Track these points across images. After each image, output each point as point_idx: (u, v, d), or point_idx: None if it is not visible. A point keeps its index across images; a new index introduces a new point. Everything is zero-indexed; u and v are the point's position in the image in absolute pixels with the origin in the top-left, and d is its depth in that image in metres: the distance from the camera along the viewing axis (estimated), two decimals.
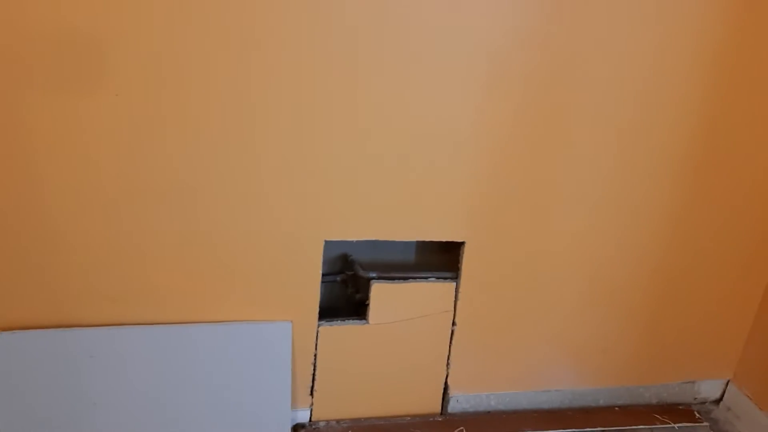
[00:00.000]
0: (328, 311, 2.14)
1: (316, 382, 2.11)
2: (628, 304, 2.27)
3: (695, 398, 2.52)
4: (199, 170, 1.77)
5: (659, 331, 2.35)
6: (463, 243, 2.06)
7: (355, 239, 1.96)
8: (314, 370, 2.09)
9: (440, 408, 2.28)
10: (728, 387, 2.51)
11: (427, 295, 2.10)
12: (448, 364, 2.21)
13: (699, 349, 2.42)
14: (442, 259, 2.23)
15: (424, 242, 2.23)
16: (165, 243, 1.83)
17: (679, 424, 2.38)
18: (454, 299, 2.13)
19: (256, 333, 1.97)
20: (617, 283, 2.23)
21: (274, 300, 1.97)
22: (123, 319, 1.88)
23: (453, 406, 2.27)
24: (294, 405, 2.11)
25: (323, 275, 2.15)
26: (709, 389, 2.51)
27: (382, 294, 2.06)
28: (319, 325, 2.04)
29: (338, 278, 2.19)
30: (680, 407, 2.48)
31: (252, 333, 1.97)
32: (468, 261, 2.07)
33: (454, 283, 2.11)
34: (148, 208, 1.78)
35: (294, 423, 2.14)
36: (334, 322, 2.06)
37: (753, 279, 2.35)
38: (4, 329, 1.79)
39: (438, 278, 2.11)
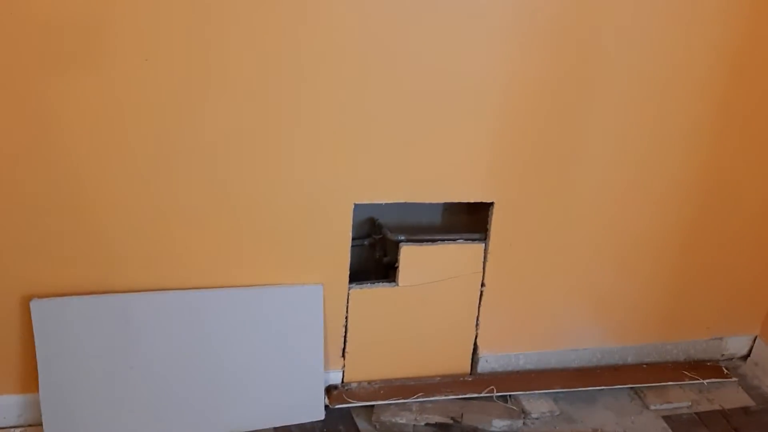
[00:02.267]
0: (358, 275, 2.15)
1: (347, 344, 2.13)
2: (655, 262, 2.27)
3: (723, 354, 2.53)
4: (230, 134, 1.78)
5: (686, 288, 2.35)
6: (491, 203, 2.06)
7: (384, 202, 1.97)
8: (345, 332, 2.11)
9: (470, 368, 2.30)
10: (756, 343, 2.51)
11: (455, 256, 2.11)
12: (477, 324, 2.23)
13: (726, 305, 2.42)
14: (469, 220, 2.23)
15: (450, 204, 2.23)
16: (197, 208, 1.84)
17: (708, 380, 2.39)
18: (483, 260, 2.13)
19: (288, 296, 1.99)
20: (644, 240, 2.23)
21: (306, 264, 1.99)
22: (157, 285, 1.90)
23: (482, 366, 2.30)
24: (326, 367, 2.13)
25: (352, 239, 2.16)
26: (736, 345, 2.52)
27: (411, 256, 2.07)
28: (349, 288, 2.06)
29: (366, 242, 2.20)
30: (708, 363, 2.49)
31: (284, 296, 1.99)
32: (496, 221, 2.08)
33: (483, 244, 2.12)
34: (179, 174, 1.79)
35: (327, 384, 2.16)
36: (365, 284, 2.08)
37: None
38: (46, 296, 1.82)
39: (466, 240, 2.11)
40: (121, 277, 1.88)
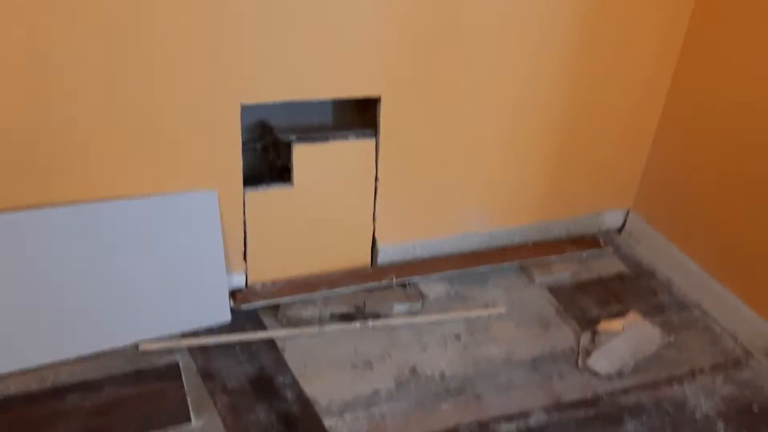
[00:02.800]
0: (252, 180, 2.16)
1: (248, 248, 2.17)
2: (536, 144, 2.40)
3: (600, 228, 2.74)
4: (109, 36, 1.71)
5: (565, 168, 2.51)
6: (379, 99, 2.09)
7: (272, 101, 1.97)
8: (245, 236, 2.14)
9: (370, 260, 2.39)
10: (629, 215, 2.73)
11: (348, 153, 2.15)
12: (374, 218, 2.31)
13: (601, 182, 2.61)
14: (359, 118, 2.26)
15: (341, 103, 2.25)
16: (82, 120, 1.79)
17: (587, 252, 2.60)
18: (375, 155, 2.19)
19: (183, 203, 1.99)
20: (524, 124, 2.34)
21: (198, 170, 1.98)
22: (47, 200, 1.85)
23: (382, 258, 2.40)
24: (229, 270, 2.17)
25: (243, 143, 2.16)
26: (612, 219, 2.73)
27: (304, 156, 2.10)
28: (245, 192, 2.07)
29: (258, 145, 2.20)
30: (587, 238, 2.70)
31: (179, 204, 1.99)
32: (385, 116, 2.13)
33: (374, 140, 2.17)
34: (61, 83, 1.72)
35: (231, 288, 2.20)
36: (260, 187, 2.10)
37: (646, 117, 2.51)
38: None
39: (358, 136, 2.15)
40: (7, 195, 1.82)
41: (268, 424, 1.85)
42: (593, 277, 2.52)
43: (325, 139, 2.11)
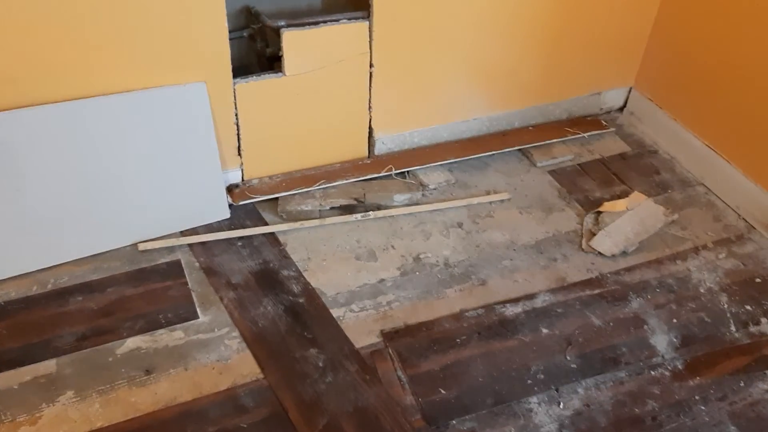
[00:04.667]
0: (242, 70, 2.07)
1: (242, 142, 2.10)
2: (532, 23, 2.29)
3: (601, 108, 2.67)
4: None
5: (563, 47, 2.41)
6: None
7: None
8: (238, 129, 2.07)
9: (367, 151, 2.33)
10: (630, 94, 2.66)
11: (340, 38, 2.05)
12: (370, 107, 2.23)
13: (602, 60, 2.52)
14: (349, 0, 2.15)
15: None
16: (64, 14, 1.68)
17: (588, 133, 2.54)
18: (368, 40, 2.09)
19: (171, 97, 1.91)
20: (522, 2, 2.23)
21: (185, 62, 1.89)
22: (33, 100, 1.77)
23: (379, 148, 2.34)
24: (224, 166, 2.12)
25: (231, 31, 2.05)
26: (613, 98, 2.66)
27: (294, 43, 2.00)
28: (234, 83, 1.99)
29: (245, 33, 2.09)
30: (588, 118, 2.63)
31: (168, 97, 1.90)
32: None
33: (367, 23, 2.06)
34: None
35: (227, 184, 2.16)
36: (250, 78, 2.01)
37: None
38: None
39: (350, 19, 2.05)
40: None
41: (276, 316, 1.85)
42: (595, 159, 2.48)
43: (316, 23, 2.00)
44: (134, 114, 1.89)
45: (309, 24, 2.00)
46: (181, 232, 2.07)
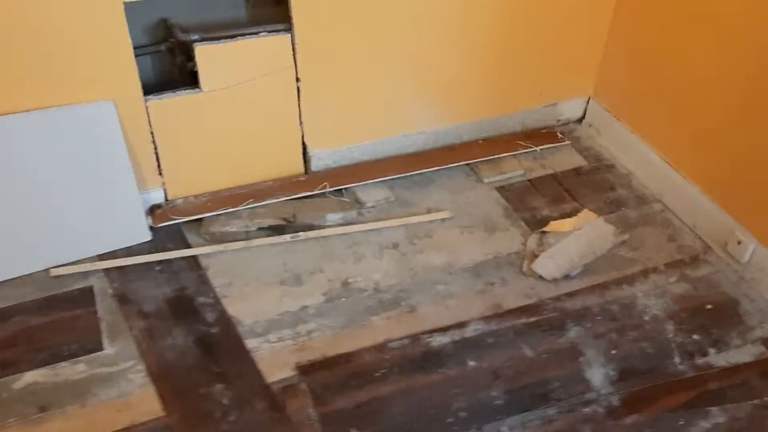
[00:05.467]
0: (165, 85, 1.97)
1: (161, 160, 2.00)
2: (479, 30, 2.17)
3: (558, 120, 2.55)
4: None
5: (514, 56, 2.29)
6: None
7: None
8: (155, 148, 1.97)
9: (303, 168, 2.22)
10: (589, 104, 2.53)
11: (261, 51, 1.95)
12: (300, 122, 2.12)
13: (557, 70, 2.39)
14: (275, 11, 2.03)
15: None
16: None
17: (542, 147, 2.42)
18: (292, 53, 1.98)
19: (78, 116, 1.81)
20: (464, 5, 2.10)
21: (90, 80, 1.79)
22: None
23: (316, 164, 2.23)
24: (145, 186, 2.02)
25: (146, 46, 1.97)
26: (570, 109, 2.54)
27: (209, 57, 1.89)
28: (147, 101, 1.88)
29: (163, 47, 1.99)
30: (544, 131, 2.51)
31: (74, 116, 1.80)
32: (297, 6, 1.90)
33: (289, 35, 1.95)
34: None
35: (150, 204, 2.06)
36: (164, 95, 1.90)
37: None
38: None
39: (270, 32, 1.94)
40: None
41: (185, 348, 1.74)
42: (548, 174, 2.35)
43: (232, 36, 1.89)
44: (41, 133, 1.79)
45: (224, 38, 1.89)
46: (100, 255, 1.97)
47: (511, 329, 1.82)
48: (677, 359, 1.76)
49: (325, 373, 1.70)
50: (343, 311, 1.86)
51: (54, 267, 1.91)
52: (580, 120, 2.57)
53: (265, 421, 1.59)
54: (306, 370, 1.70)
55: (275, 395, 1.65)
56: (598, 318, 1.85)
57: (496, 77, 2.32)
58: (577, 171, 2.37)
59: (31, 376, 1.67)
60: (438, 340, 1.78)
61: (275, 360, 1.73)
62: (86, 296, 1.86)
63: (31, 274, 1.91)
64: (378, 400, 1.64)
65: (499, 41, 2.23)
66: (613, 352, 1.77)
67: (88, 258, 1.95)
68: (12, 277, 1.89)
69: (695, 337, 1.81)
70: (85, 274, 1.92)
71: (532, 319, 1.85)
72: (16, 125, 1.75)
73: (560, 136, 2.48)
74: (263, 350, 1.75)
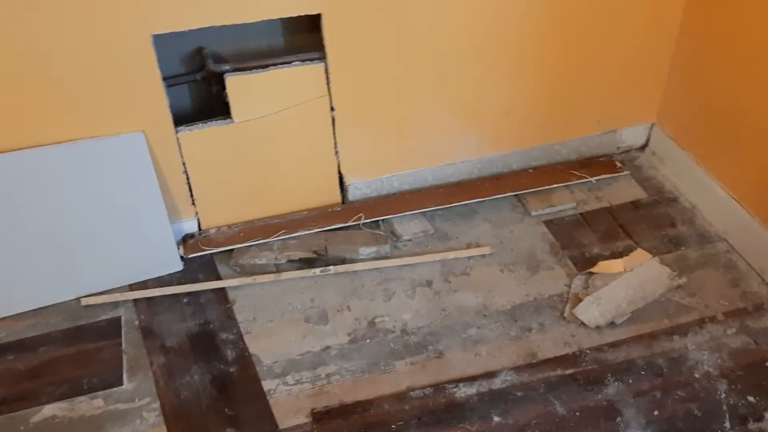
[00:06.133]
0: (203, 113, 1.96)
1: (194, 190, 1.98)
2: (525, 55, 2.05)
3: (618, 148, 2.38)
4: None
5: (569, 81, 2.15)
6: (319, 16, 1.80)
7: (186, 28, 1.71)
8: (188, 178, 1.95)
9: (341, 198, 2.16)
10: (652, 131, 2.35)
11: (294, 81, 1.89)
12: (336, 152, 2.05)
13: (616, 95, 2.23)
14: (314, 38, 1.98)
15: (291, 22, 1.96)
16: None
17: (597, 177, 2.26)
18: (326, 82, 1.91)
19: (108, 148, 1.81)
20: (508, 31, 1.98)
21: (120, 112, 1.79)
22: None
23: (354, 194, 2.16)
24: (177, 216, 2.00)
25: (182, 75, 1.95)
26: (632, 136, 2.36)
27: (241, 87, 1.86)
28: (178, 132, 1.86)
29: (198, 76, 1.97)
30: (602, 159, 2.34)
31: (104, 148, 1.81)
32: (330, 35, 1.84)
33: (323, 64, 1.89)
34: None
35: (183, 233, 2.04)
36: (195, 125, 1.88)
37: (667, 16, 2.08)
38: None
39: (303, 61, 1.88)
40: None
41: (201, 388, 1.71)
42: (602, 206, 2.19)
43: (265, 66, 1.85)
44: (72, 164, 1.80)
45: (256, 68, 1.85)
46: (131, 285, 1.96)
47: (544, 382, 1.69)
48: (727, 424, 1.58)
49: (339, 423, 1.62)
50: (367, 354, 1.77)
51: (85, 296, 1.92)
52: (642, 148, 2.39)
53: None
54: (320, 417, 1.63)
55: None
56: (642, 373, 1.69)
57: (548, 102, 2.18)
58: (634, 204, 2.19)
59: (49, 410, 1.67)
60: (463, 391, 1.67)
61: (290, 404, 1.66)
62: (113, 327, 1.86)
63: (62, 302, 1.92)
64: None
65: (551, 64, 2.09)
66: (656, 413, 1.61)
67: (119, 288, 1.95)
68: (44, 305, 1.91)
69: (750, 398, 1.63)
70: (115, 304, 1.92)
71: (568, 372, 1.71)
72: (48, 157, 1.77)
73: (619, 165, 2.31)
74: (279, 393, 1.69)
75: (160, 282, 1.98)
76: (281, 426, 1.62)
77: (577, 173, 2.26)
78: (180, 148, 1.89)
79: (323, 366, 1.75)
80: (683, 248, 2.03)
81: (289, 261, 2.00)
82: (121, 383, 1.73)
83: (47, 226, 1.84)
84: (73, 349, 1.81)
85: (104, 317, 1.89)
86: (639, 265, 1.95)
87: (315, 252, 2.00)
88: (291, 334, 1.83)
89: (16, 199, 1.78)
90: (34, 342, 1.83)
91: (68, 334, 1.85)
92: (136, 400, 1.69)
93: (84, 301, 1.91)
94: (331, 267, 1.98)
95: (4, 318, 1.88)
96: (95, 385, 1.72)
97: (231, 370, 1.75)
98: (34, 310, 1.91)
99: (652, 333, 1.79)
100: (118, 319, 1.88)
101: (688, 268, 1.96)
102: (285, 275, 1.97)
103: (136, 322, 1.87)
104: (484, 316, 1.86)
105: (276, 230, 2.04)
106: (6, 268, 1.84)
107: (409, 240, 2.08)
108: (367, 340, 1.81)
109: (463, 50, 1.97)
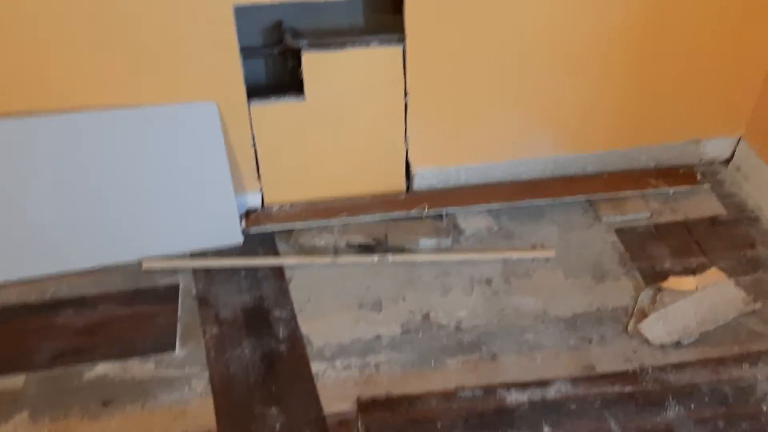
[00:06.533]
0: (277, 89, 1.94)
1: (260, 166, 1.97)
2: (612, 56, 1.96)
3: (701, 159, 2.26)
4: None
5: (655, 87, 2.05)
6: None
7: (269, 2, 1.70)
8: (255, 153, 1.94)
9: (405, 186, 2.12)
10: (739, 145, 2.22)
11: (370, 62, 1.86)
12: (406, 138, 2.01)
13: (703, 103, 2.12)
14: (395, 20, 1.93)
15: (372, 1, 1.93)
16: (74, 28, 1.64)
17: (675, 188, 2.15)
18: (402, 65, 1.87)
19: (180, 115, 1.81)
20: (597, 30, 1.90)
21: (195, 81, 1.79)
22: (35, 109, 1.74)
23: (419, 183, 2.12)
24: (242, 189, 2.00)
25: (258, 47, 1.94)
26: (717, 148, 2.24)
27: (316, 65, 1.83)
28: (250, 105, 1.86)
29: (275, 51, 1.95)
30: (681, 170, 2.23)
31: (176, 115, 1.81)
32: (412, 17, 1.79)
33: (401, 47, 1.85)
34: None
35: (247, 207, 2.04)
36: (267, 100, 1.87)
37: (763, 22, 1.96)
38: None
39: (381, 42, 1.84)
40: (4, 102, 1.73)
41: (250, 363, 1.71)
42: (677, 219, 2.09)
43: (341, 45, 1.82)
44: (144, 129, 1.81)
45: (334, 46, 1.82)
46: (191, 253, 1.98)
47: (600, 397, 1.62)
48: None
49: (384, 414, 1.59)
50: (418, 347, 1.74)
51: (146, 261, 1.94)
52: (726, 161, 2.27)
53: None
54: (366, 407, 1.61)
55: (329, 429, 1.56)
56: (706, 399, 1.61)
57: (630, 106, 2.08)
58: (712, 220, 2.08)
59: (102, 368, 1.70)
60: (514, 397, 1.62)
61: (337, 390, 1.65)
62: (171, 293, 1.88)
63: (124, 264, 1.94)
64: None
65: (637, 67, 2.00)
66: None
67: (180, 255, 1.96)
68: (106, 264, 1.94)
69: None
70: (174, 271, 1.93)
71: (627, 389, 1.64)
72: (121, 120, 1.78)
73: (699, 177, 2.19)
74: (327, 377, 1.68)
75: (219, 253, 1.98)
76: (326, 410, 1.60)
77: (654, 182, 2.16)
78: (251, 121, 1.87)
79: (373, 354, 1.73)
80: (761, 271, 1.92)
81: (348, 245, 1.97)
82: (173, 349, 1.74)
83: (115, 188, 1.86)
84: (130, 311, 1.83)
85: (163, 283, 1.90)
86: (712, 285, 1.85)
87: (375, 239, 1.97)
88: (343, 318, 1.81)
89: (87, 159, 1.81)
90: (93, 300, 1.86)
91: (127, 296, 1.87)
92: (187, 367, 1.70)
93: (145, 265, 1.93)
94: (389, 255, 1.94)
95: (67, 273, 1.92)
96: (148, 349, 1.74)
97: (281, 348, 1.74)
98: (97, 268, 1.93)
99: (720, 358, 1.70)
100: (176, 286, 1.89)
101: (765, 293, 1.86)
102: (343, 259, 1.94)
103: (193, 291, 1.88)
104: (543, 321, 1.80)
105: (338, 213, 2.02)
106: (73, 224, 1.87)
107: (472, 235, 2.03)
108: (420, 334, 1.77)
109: (549, 47, 1.90)
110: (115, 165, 1.84)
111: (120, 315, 1.83)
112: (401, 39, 1.84)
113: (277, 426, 1.57)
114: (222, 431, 1.57)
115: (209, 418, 1.59)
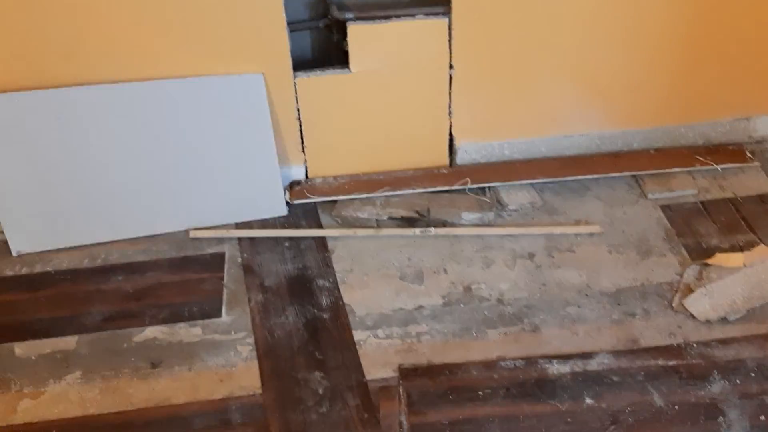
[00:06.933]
0: (322, 62, 1.96)
1: (305, 138, 2.00)
2: (663, 31, 1.93)
3: (750, 137, 2.22)
4: None
5: (703, 62, 2.01)
6: None
7: None
8: (300, 125, 1.97)
9: (448, 160, 2.12)
10: None
11: (415, 35, 1.86)
12: (450, 112, 2.02)
13: (753, 80, 2.08)
14: None
15: None
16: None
17: (724, 165, 2.12)
18: (448, 38, 1.87)
19: (227, 86, 1.85)
20: (653, 10, 1.88)
21: (242, 52, 1.82)
22: (85, 79, 1.79)
23: (462, 158, 2.12)
24: (287, 161, 2.03)
25: (305, 21, 1.96)
26: (767, 126, 2.19)
27: (361, 37, 1.85)
28: (295, 77, 1.88)
29: (321, 23, 1.97)
30: (730, 147, 2.19)
31: (223, 86, 1.85)
32: None
33: (447, 19, 1.85)
34: None
35: (291, 179, 2.07)
36: (313, 72, 1.89)
37: None
38: None
39: (427, 14, 1.84)
40: (55, 72, 1.79)
41: (294, 330, 1.74)
42: (725, 197, 2.06)
43: (387, 17, 1.83)
44: (192, 100, 1.85)
45: (379, 18, 1.83)
46: (236, 224, 2.01)
47: (643, 370, 1.61)
48: None
49: (426, 381, 1.61)
50: (460, 318, 1.75)
51: (193, 229, 1.98)
52: None
53: (354, 420, 1.54)
54: (407, 373, 1.62)
55: (371, 394, 1.59)
56: (752, 375, 1.59)
57: (680, 81, 2.05)
58: (761, 198, 2.05)
59: (151, 331, 1.75)
60: (556, 368, 1.62)
61: (379, 357, 1.67)
62: (217, 261, 1.92)
63: (172, 232, 1.99)
64: (475, 422, 1.53)
65: (684, 42, 1.97)
66: (762, 418, 1.51)
67: (226, 225, 2.00)
68: (155, 233, 1.98)
69: None
70: (220, 240, 1.97)
71: (671, 363, 1.62)
72: (169, 90, 1.83)
73: (749, 155, 2.15)
74: (369, 345, 1.70)
75: (264, 224, 2.01)
76: (368, 376, 1.62)
77: (702, 159, 2.12)
78: (296, 93, 1.90)
79: (414, 324, 1.74)
80: None
81: (390, 218, 1.99)
82: (219, 315, 1.78)
83: (163, 157, 1.90)
84: (177, 277, 1.88)
85: (209, 251, 1.95)
86: (760, 262, 1.81)
87: (417, 212, 1.98)
88: (385, 289, 1.83)
89: (137, 129, 1.86)
90: (142, 266, 1.91)
91: (174, 263, 1.92)
92: (233, 332, 1.73)
93: (192, 234, 1.97)
94: (431, 228, 1.95)
95: (118, 241, 1.97)
96: (195, 314, 1.78)
97: (324, 316, 1.76)
98: (145, 236, 1.98)
99: (767, 335, 1.67)
100: (222, 255, 1.93)
101: None
102: (385, 231, 1.96)
103: (239, 260, 1.92)
104: (586, 295, 1.80)
105: (380, 186, 2.03)
106: (124, 194, 1.93)
107: (515, 210, 2.03)
108: (461, 305, 1.78)
109: (598, 22, 1.88)
110: (164, 135, 1.88)
111: (168, 281, 1.87)
112: (447, 11, 1.84)
113: (320, 390, 1.60)
114: (267, 394, 1.60)
115: (254, 381, 1.63)
